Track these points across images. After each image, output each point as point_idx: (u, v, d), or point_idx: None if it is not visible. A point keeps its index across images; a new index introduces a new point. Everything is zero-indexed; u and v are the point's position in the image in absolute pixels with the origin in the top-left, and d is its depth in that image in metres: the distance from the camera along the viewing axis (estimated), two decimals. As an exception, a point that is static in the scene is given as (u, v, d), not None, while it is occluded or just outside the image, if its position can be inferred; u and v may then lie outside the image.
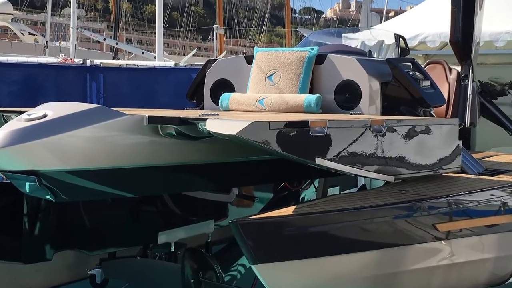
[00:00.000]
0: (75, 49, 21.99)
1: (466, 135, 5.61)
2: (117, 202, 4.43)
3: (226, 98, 4.82)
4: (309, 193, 5.62)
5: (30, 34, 39.93)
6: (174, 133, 3.44)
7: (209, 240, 5.02)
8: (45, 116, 3.25)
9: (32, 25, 49.78)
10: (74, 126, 3.23)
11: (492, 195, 4.07)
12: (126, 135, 3.39)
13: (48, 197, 3.34)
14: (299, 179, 5.29)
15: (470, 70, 5.77)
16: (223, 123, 3.08)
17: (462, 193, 3.93)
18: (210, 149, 3.73)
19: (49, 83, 11.56)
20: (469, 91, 5.69)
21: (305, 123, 3.20)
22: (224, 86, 5.03)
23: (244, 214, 3.42)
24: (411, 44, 8.85)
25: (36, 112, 3.30)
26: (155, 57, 19.59)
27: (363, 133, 3.48)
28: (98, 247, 4.58)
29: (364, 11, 14.34)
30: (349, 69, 4.64)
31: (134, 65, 14.07)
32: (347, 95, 4.64)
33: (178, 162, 3.68)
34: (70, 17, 24.40)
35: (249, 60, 4.97)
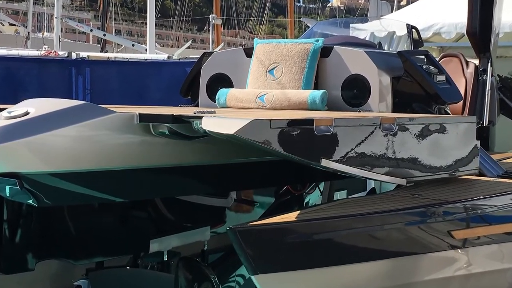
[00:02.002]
0: (59, 41, 22.02)
1: (484, 135, 5.60)
2: (105, 207, 4.43)
3: (223, 94, 4.82)
4: (313, 197, 5.62)
5: (10, 24, 39.98)
6: (167, 132, 3.45)
7: (205, 249, 5.02)
8: (27, 113, 3.25)
9: (13, 15, 49.83)
10: (58, 125, 3.23)
11: (512, 199, 4.07)
12: (115, 134, 3.39)
13: (30, 201, 3.34)
14: (302, 182, 5.29)
15: (489, 64, 5.78)
16: (220, 122, 3.09)
17: (480, 197, 3.93)
18: (206, 149, 3.73)
19: (31, 77, 11.59)
20: (488, 87, 5.70)
21: (309, 122, 3.20)
22: (221, 81, 5.03)
23: (243, 220, 3.42)
24: (424, 35, 8.87)
25: (17, 109, 3.30)
26: (146, 50, 19.65)
27: (373, 132, 3.48)
28: (84, 256, 4.58)
29: (374, 0, 14.34)
30: (357, 62, 4.65)
31: (124, 58, 14.10)
32: (355, 90, 4.65)
33: (171, 164, 3.68)
34: (53, 6, 24.42)
35: (249, 52, 4.98)
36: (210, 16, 30.54)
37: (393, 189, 4.06)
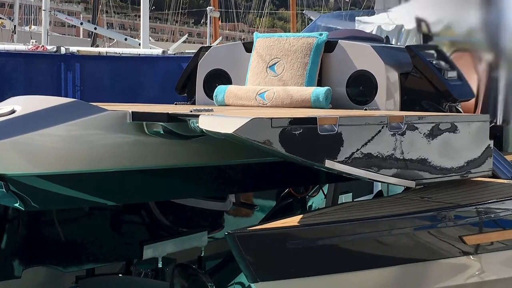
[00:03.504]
0: (47, 35, 22.03)
1: (498, 134, 5.62)
2: (96, 211, 4.43)
3: (221, 91, 4.82)
4: (317, 200, 5.62)
5: (-5, 17, 39.93)
6: (162, 132, 3.45)
7: (202, 255, 5.02)
8: (13, 112, 3.25)
9: (-2, 7, 49.84)
10: (46, 124, 3.23)
11: (528, 203, 4.07)
12: (107, 134, 3.39)
13: (16, 205, 3.34)
14: (305, 185, 5.29)
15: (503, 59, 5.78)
16: (218, 120, 3.09)
17: (494, 200, 3.94)
18: (204, 150, 3.73)
19: (17, 73, 11.61)
20: (502, 83, 5.70)
21: (312, 120, 3.20)
22: (219, 77, 5.04)
23: (242, 224, 3.43)
24: (434, 29, 8.86)
25: (3, 107, 3.30)
26: (140, 44, 19.66)
27: (380, 131, 3.48)
28: (74, 263, 4.58)
29: (381, -9, 14.32)
30: (363, 57, 4.66)
31: (116, 53, 14.11)
32: (361, 87, 4.66)
33: (166, 165, 3.68)
34: (42, -2, 24.40)
35: (248, 47, 4.98)
36: (208, 8, 30.48)
37: (402, 192, 4.07)
